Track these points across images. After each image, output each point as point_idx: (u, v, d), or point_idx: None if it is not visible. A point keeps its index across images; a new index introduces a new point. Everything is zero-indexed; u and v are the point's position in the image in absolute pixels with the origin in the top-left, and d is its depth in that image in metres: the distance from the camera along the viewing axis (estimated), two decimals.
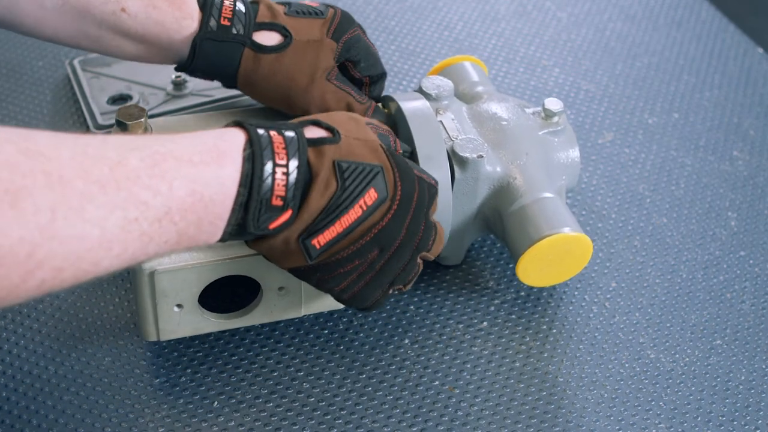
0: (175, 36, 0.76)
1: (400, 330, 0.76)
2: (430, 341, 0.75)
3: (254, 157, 0.59)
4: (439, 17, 1.12)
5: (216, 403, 0.70)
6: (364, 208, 0.63)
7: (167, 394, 0.71)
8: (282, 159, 0.60)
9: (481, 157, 0.74)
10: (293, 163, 0.61)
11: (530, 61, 1.06)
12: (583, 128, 0.97)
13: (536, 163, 0.76)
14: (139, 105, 0.78)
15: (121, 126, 0.74)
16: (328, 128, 0.65)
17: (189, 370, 0.72)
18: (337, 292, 0.67)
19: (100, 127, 0.90)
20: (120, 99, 0.94)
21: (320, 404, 0.70)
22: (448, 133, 0.76)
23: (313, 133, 0.64)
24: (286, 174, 0.60)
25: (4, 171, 0.49)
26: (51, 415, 0.69)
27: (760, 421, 0.71)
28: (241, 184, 0.59)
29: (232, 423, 0.69)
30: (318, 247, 0.63)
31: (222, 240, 0.60)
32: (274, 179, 0.60)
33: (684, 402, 0.72)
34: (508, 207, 0.75)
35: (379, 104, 0.80)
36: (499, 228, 0.76)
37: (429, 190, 0.68)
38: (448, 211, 0.73)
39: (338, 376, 0.72)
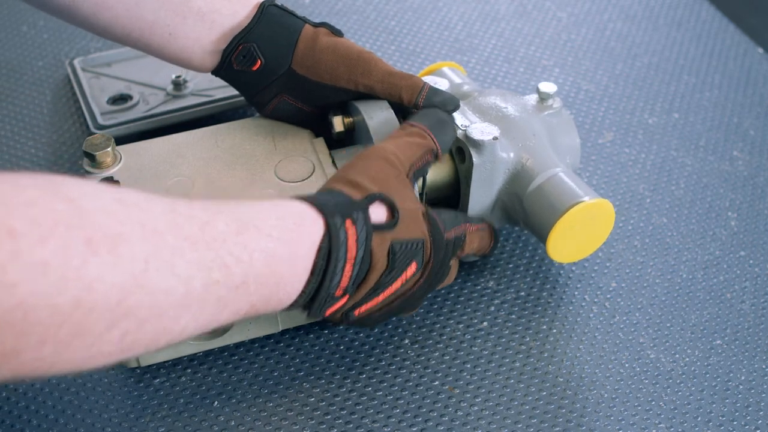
0: (240, 9, 0.77)
1: (400, 330, 0.76)
2: (430, 341, 0.75)
3: (330, 254, 0.60)
4: (439, 17, 1.12)
5: (216, 403, 0.70)
6: (404, 280, 0.66)
7: (167, 394, 0.71)
8: (352, 254, 0.61)
9: (496, 138, 0.74)
10: (359, 255, 0.61)
11: (530, 61, 1.06)
12: (583, 128, 0.97)
13: (544, 143, 0.77)
14: (106, 139, 0.73)
15: (90, 157, 0.73)
16: (389, 204, 0.64)
17: (189, 370, 0.72)
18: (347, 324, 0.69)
19: (101, 127, 0.89)
20: (120, 99, 0.94)
21: (320, 404, 0.70)
22: (456, 125, 0.76)
23: (376, 213, 0.64)
24: (353, 266, 0.61)
25: (102, 217, 0.49)
26: (51, 415, 0.69)
27: (760, 421, 0.71)
28: (313, 273, 0.60)
29: (232, 423, 0.69)
30: (357, 314, 0.65)
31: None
32: (342, 274, 0.61)
33: (684, 402, 0.72)
34: (526, 189, 0.75)
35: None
36: (520, 212, 0.76)
37: (456, 243, 0.70)
38: None
39: (338, 376, 0.72)
